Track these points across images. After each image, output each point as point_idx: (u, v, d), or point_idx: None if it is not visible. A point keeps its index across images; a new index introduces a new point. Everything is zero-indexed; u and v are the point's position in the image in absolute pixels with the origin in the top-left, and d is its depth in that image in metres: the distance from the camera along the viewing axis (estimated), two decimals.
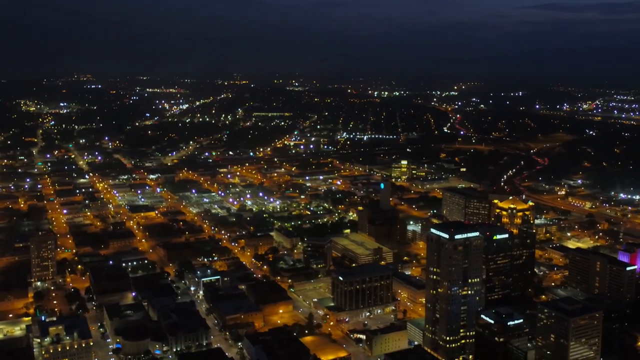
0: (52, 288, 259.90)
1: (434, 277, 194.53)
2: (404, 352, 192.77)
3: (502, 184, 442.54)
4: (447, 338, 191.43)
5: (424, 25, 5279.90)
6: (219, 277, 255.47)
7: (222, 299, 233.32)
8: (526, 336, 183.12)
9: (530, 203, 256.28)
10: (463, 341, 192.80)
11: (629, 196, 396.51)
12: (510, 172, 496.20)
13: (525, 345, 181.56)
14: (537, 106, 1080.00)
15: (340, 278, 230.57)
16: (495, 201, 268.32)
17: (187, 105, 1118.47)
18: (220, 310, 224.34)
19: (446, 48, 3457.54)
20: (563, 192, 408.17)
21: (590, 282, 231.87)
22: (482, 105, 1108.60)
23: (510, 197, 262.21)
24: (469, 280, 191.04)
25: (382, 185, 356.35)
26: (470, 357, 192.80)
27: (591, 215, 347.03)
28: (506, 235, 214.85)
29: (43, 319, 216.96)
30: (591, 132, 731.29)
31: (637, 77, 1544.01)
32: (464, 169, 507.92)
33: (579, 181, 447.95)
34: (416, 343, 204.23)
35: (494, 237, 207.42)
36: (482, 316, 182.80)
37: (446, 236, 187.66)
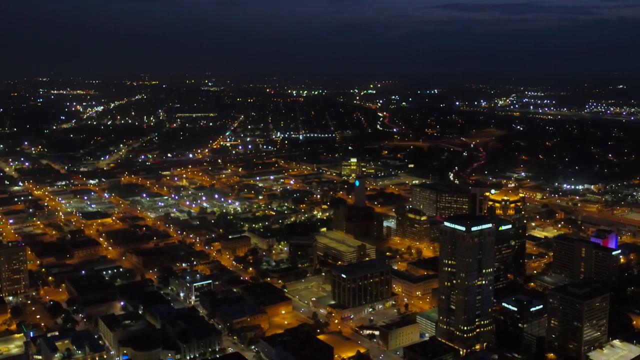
0: (29, 302, 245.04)
1: (449, 269, 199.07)
2: (421, 344, 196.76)
3: (451, 178, 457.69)
4: (464, 328, 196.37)
5: (331, 24, 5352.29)
6: (210, 281, 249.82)
7: (222, 303, 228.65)
8: (542, 321, 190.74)
9: (521, 194, 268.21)
10: (478, 330, 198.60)
11: (572, 186, 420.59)
12: (455, 167, 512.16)
13: (543, 330, 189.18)
14: (457, 103, 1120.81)
15: (343, 275, 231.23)
16: (487, 194, 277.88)
17: (102, 107, 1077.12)
18: (224, 314, 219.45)
19: (355, 47, 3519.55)
20: (513, 185, 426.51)
21: (576, 268, 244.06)
22: (404, 103, 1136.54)
23: (494, 191, 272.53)
24: (483, 271, 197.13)
25: (357, 183, 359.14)
26: (485, 344, 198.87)
27: (546, 206, 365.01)
28: (509, 226, 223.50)
29: (32, 334, 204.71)
30: (518, 127, 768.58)
31: (542, 75, 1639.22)
32: (412, 165, 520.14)
33: (523, 174, 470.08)
34: (427, 335, 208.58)
35: (499, 228, 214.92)
36: (504, 304, 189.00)
37: (462, 229, 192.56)
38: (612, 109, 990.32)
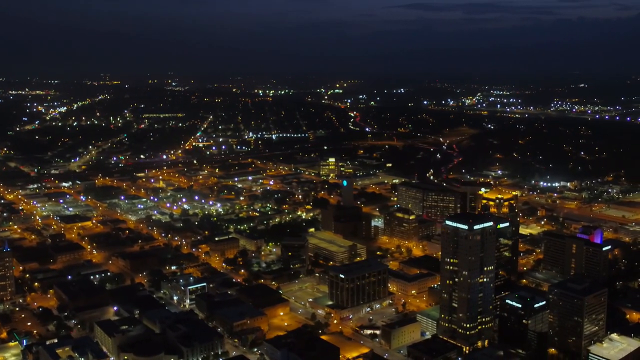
0: (17, 309, 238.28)
1: (450, 267, 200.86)
2: (424, 342, 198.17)
3: (430, 177, 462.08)
4: (467, 325, 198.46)
5: (294, 23, 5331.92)
6: (204, 284, 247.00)
7: (220, 306, 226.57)
8: (544, 317, 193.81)
9: (514, 192, 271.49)
10: (480, 327, 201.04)
11: (548, 184, 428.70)
12: (432, 165, 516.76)
13: (545, 326, 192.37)
14: (425, 102, 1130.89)
15: (341, 276, 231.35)
16: (480, 192, 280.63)
17: (65, 108, 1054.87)
18: (224, 317, 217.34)
19: (319, 46, 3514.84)
20: (492, 183, 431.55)
21: (567, 264, 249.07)
22: (372, 102, 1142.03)
23: (485, 189, 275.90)
24: (485, 269, 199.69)
25: (344, 183, 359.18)
26: (486, 341, 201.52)
27: (527, 204, 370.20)
28: (507, 224, 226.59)
29: (24, 342, 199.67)
30: (489, 126, 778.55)
31: (505, 74, 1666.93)
32: (390, 165, 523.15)
33: (499, 172, 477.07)
34: (428, 333, 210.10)
35: (498, 226, 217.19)
36: (507, 301, 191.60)
37: (465, 227, 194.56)
38: (576, 107, 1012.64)
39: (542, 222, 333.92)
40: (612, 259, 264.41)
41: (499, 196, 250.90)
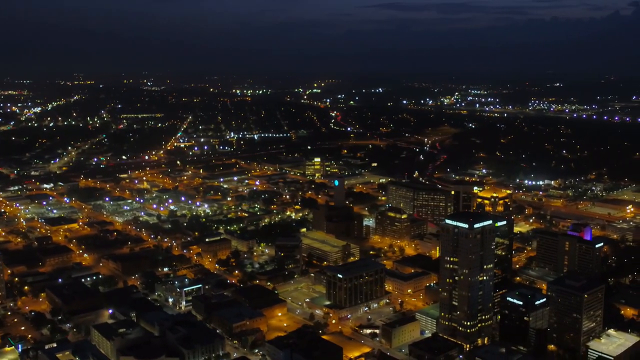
0: (9, 314, 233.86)
1: (450, 266, 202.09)
2: (425, 341, 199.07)
3: (416, 176, 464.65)
4: (467, 323, 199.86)
5: (269, 22, 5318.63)
6: (200, 285, 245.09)
7: (218, 307, 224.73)
8: (544, 314, 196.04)
9: (508, 191, 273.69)
10: (480, 325, 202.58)
11: (533, 182, 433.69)
12: (417, 165, 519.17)
13: (544, 322, 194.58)
14: (404, 102, 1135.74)
15: (340, 276, 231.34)
16: (475, 191, 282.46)
17: (40, 109, 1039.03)
18: (222, 318, 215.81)
19: (294, 46, 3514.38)
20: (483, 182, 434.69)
21: (559, 261, 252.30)
22: (352, 102, 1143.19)
23: (478, 188, 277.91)
24: (484, 267, 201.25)
25: (336, 183, 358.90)
26: (486, 339, 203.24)
27: (514, 202, 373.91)
28: (504, 222, 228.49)
29: (20, 347, 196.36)
30: (470, 125, 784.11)
31: (481, 73, 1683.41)
32: (375, 164, 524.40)
33: (484, 171, 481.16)
34: (427, 332, 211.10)
35: (495, 225, 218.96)
36: (509, 298, 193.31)
37: (465, 226, 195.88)
38: (554, 106, 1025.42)
39: (531, 220, 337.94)
40: (603, 256, 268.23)
41: (494, 195, 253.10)
